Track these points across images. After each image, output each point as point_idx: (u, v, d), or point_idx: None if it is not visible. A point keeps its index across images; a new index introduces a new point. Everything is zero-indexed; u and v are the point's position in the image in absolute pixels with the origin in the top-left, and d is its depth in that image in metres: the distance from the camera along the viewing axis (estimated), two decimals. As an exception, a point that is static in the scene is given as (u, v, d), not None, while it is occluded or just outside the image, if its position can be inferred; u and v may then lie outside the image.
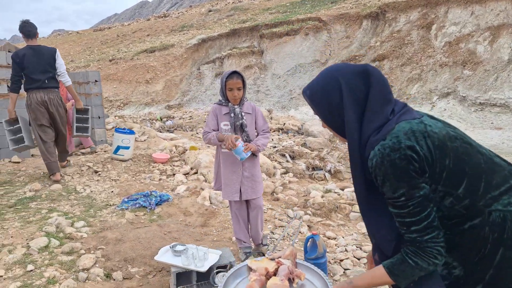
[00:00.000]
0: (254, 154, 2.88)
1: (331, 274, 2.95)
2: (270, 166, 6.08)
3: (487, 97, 10.54)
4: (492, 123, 10.00)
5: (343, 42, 14.90)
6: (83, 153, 6.91)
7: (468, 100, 10.90)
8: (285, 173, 6.29)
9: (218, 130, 2.88)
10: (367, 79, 1.12)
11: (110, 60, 20.99)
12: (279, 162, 6.80)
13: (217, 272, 2.33)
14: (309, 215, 4.23)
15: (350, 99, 1.11)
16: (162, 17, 29.66)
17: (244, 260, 3.00)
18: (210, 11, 24.02)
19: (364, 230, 4.03)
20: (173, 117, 15.06)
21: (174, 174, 5.50)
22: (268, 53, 16.11)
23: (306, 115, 12.58)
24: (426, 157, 1.02)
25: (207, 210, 4.23)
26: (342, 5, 16.71)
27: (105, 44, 26.09)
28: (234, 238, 3.53)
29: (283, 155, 7.14)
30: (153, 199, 4.49)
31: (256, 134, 2.97)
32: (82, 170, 5.69)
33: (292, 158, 7.17)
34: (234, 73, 2.75)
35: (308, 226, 3.97)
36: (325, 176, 6.22)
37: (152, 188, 4.93)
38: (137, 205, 4.38)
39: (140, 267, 3.04)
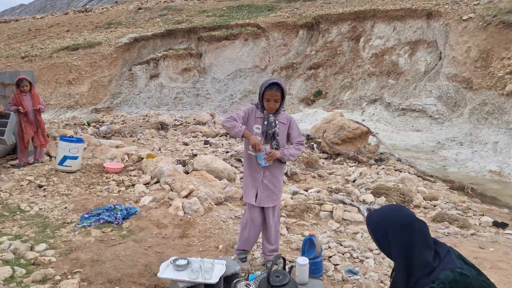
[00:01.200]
0: (281, 161, 2.89)
1: (325, 271, 3.12)
2: (231, 171, 6.11)
3: (408, 104, 11.97)
4: (413, 126, 11.40)
5: (281, 49, 15.53)
6: (13, 165, 6.10)
7: (393, 106, 12.25)
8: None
9: (244, 125, 2.81)
10: (411, 229, 1.43)
11: (23, 57, 18.70)
12: (236, 167, 6.86)
13: (237, 282, 2.32)
14: (284, 216, 4.38)
15: (402, 246, 1.40)
16: (83, 11, 27.31)
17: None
18: (140, 8, 22.92)
19: (335, 226, 4.33)
20: (103, 122, 14.03)
21: (133, 185, 5.19)
22: (208, 56, 16.01)
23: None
24: None
25: (182, 220, 4.11)
26: (279, 14, 17.40)
27: (14, 39, 23.12)
28: (220, 247, 3.51)
29: (239, 160, 7.21)
30: (119, 213, 4.19)
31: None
32: (21, 185, 5.04)
33: (248, 163, 7.28)
34: (275, 84, 2.70)
35: (286, 227, 4.12)
36: (283, 180, 6.47)
37: (112, 201, 4.60)
38: (101, 221, 4.05)
39: (130, 287, 2.85)
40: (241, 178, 6.30)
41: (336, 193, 5.24)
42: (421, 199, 5.56)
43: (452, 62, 11.95)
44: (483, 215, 5.12)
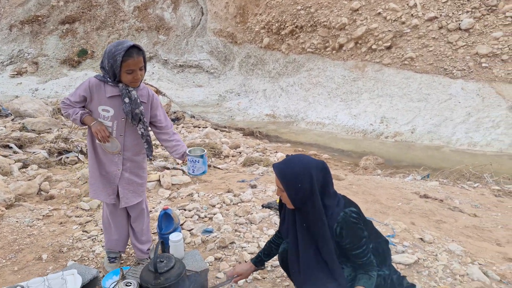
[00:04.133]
0: (142, 145, 2.38)
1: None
2: (4, 162, 4.83)
3: (184, 60, 12.64)
4: (193, 82, 12.25)
5: (15, -3, 12.55)
6: None
7: (170, 63, 12.62)
8: (24, 166, 5.21)
9: (84, 109, 2.21)
10: (326, 172, 1.73)
11: None
12: (5, 156, 5.46)
13: (115, 284, 2.00)
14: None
15: (318, 187, 1.69)
16: None
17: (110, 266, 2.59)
18: None
19: (168, 193, 4.31)
20: None
21: None
22: None
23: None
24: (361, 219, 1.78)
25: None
26: None
27: None
28: (45, 256, 2.86)
29: (7, 146, 5.73)
30: None
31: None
32: None
33: (20, 147, 5.90)
34: (134, 48, 2.00)
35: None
36: (78, 158, 5.68)
37: None
38: None
39: None
40: (21, 168, 5.10)
41: (153, 160, 5.13)
42: (229, 149, 6.28)
43: (215, 18, 13.28)
44: (277, 152, 6.37)
